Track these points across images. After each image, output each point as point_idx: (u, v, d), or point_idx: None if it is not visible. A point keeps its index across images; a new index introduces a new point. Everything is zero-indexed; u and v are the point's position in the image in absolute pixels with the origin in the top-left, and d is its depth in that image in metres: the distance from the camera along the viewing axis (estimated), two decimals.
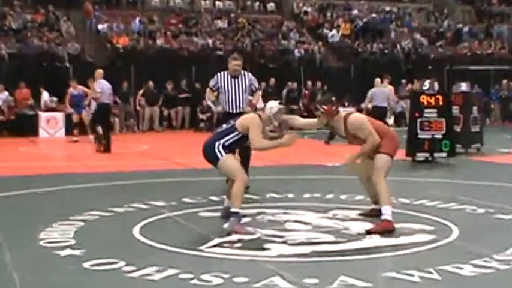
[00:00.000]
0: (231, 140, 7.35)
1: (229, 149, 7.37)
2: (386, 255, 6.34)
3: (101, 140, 17.19)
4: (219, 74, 11.11)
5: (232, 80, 10.88)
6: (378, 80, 20.10)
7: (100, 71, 18.12)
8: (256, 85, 11.19)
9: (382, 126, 7.94)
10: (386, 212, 7.34)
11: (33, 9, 30.34)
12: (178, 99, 26.98)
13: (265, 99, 9.41)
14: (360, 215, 8.18)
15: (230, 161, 7.34)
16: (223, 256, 6.30)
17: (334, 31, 33.83)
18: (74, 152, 18.03)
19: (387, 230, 7.14)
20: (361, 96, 28.92)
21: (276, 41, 31.92)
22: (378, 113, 18.34)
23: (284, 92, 27.72)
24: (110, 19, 30.61)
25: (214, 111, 11.81)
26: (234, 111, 10.69)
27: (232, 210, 7.29)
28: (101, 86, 17.54)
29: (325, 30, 33.97)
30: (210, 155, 7.34)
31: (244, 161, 9.76)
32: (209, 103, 12.14)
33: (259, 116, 7.40)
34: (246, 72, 11.10)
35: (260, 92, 11.38)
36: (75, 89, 21.19)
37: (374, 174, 7.60)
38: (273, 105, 7.49)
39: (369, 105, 19.73)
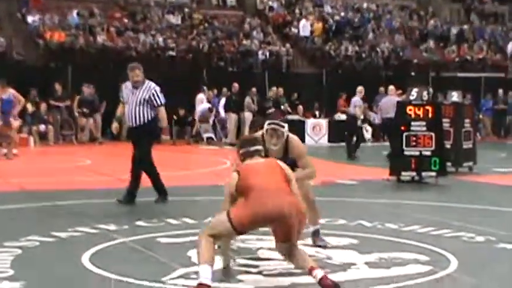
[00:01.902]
0: None
1: None
2: None
3: None
4: (124, 84, 11.62)
5: (133, 91, 11.32)
6: (391, 87, 20.60)
7: None
8: (159, 101, 11.46)
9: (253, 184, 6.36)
10: (202, 273, 6.09)
11: None
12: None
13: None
14: None
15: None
16: None
17: (304, 21, 33.97)
18: (4, 167, 17.83)
19: None
20: (334, 106, 29.25)
21: (237, 41, 31.98)
22: (389, 126, 18.66)
23: (247, 99, 27.74)
24: (43, 11, 30.23)
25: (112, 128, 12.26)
26: (129, 124, 11.39)
27: None
28: None
29: (294, 29, 34.15)
30: None
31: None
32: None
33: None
34: (150, 85, 11.42)
35: (162, 109, 11.57)
36: (4, 93, 20.57)
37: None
38: None
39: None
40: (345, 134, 21.74)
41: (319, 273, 6.03)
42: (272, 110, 27.03)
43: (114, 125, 11.98)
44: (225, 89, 27.08)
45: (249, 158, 6.60)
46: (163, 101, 11.51)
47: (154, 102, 11.33)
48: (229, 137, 26.47)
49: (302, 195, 7.04)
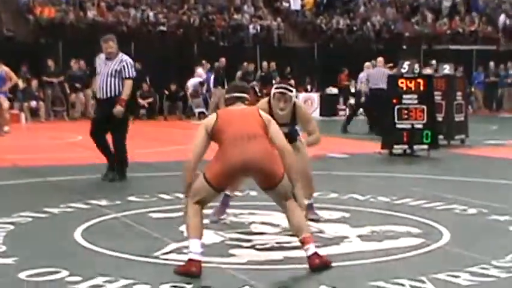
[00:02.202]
0: None
1: None
2: (370, 261, 6.37)
3: None
4: (98, 56, 11.56)
5: (106, 62, 11.20)
6: (380, 59, 20.74)
7: None
8: (128, 73, 11.24)
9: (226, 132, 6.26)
10: (191, 249, 6.02)
11: None
12: None
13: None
14: None
15: None
16: (183, 263, 6.29)
17: None
18: None
19: (187, 273, 5.91)
20: (326, 80, 29.26)
21: (228, 15, 31.90)
22: (379, 96, 18.79)
23: (238, 74, 27.67)
24: None
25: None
26: (99, 96, 11.30)
27: None
28: None
29: (285, 3, 34.06)
30: None
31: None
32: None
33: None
34: (123, 57, 11.28)
35: (129, 82, 11.26)
36: None
37: None
38: None
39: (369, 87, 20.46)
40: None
41: (310, 249, 6.00)
42: (254, 83, 27.11)
43: (92, 102, 11.94)
44: (216, 64, 26.96)
45: (231, 104, 6.47)
46: (132, 74, 11.33)
47: (123, 73, 11.15)
48: (209, 111, 26.26)
49: (301, 169, 7.04)
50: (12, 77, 20.07)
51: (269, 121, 6.34)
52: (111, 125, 11.28)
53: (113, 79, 11.08)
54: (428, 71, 17.49)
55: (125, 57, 11.33)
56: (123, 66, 11.14)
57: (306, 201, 7.67)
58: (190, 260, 5.91)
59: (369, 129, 20.54)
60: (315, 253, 6.00)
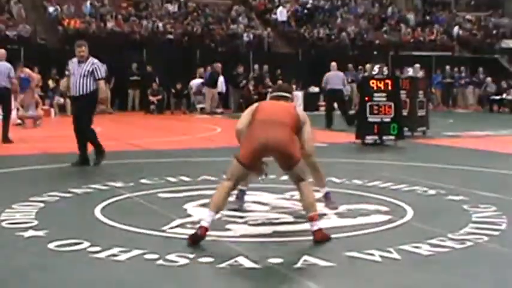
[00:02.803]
0: None
1: None
2: (345, 235, 6.34)
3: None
4: (70, 60, 11.57)
5: (79, 65, 11.16)
6: (334, 63, 20.33)
7: (1, 51, 15.38)
8: (100, 75, 11.24)
9: (256, 118, 6.35)
10: (205, 218, 6.07)
11: None
12: (129, 81, 26.78)
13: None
14: None
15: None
16: (186, 237, 6.24)
17: (281, 8, 33.84)
18: (23, 134, 17.68)
19: (195, 237, 5.95)
20: (309, 81, 29.22)
21: (225, 25, 31.81)
22: (334, 96, 19.41)
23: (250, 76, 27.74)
24: (61, 2, 30.15)
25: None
26: (73, 93, 11.27)
27: None
28: None
29: (274, 16, 33.97)
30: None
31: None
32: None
33: None
34: (93, 60, 11.23)
35: (102, 82, 11.32)
36: (22, 72, 20.47)
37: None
38: None
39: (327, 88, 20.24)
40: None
41: (316, 225, 6.06)
42: (244, 82, 27.02)
43: (56, 100, 12.07)
44: (209, 68, 26.85)
45: (273, 100, 6.72)
46: (103, 75, 11.37)
47: (96, 75, 11.11)
48: (206, 107, 26.19)
49: (311, 162, 7.14)
50: (33, 77, 20.08)
51: (305, 120, 6.55)
52: (79, 120, 11.44)
53: (85, 79, 11.06)
54: (409, 73, 17.41)
55: (95, 60, 11.25)
56: (95, 68, 11.10)
57: (324, 190, 7.60)
58: (200, 226, 6.00)
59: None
60: (320, 229, 6.06)
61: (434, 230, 6.44)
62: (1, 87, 14.72)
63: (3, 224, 6.77)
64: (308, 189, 6.27)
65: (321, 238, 6.01)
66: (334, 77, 19.96)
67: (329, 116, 19.76)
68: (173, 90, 27.11)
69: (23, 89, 19.92)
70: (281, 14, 33.66)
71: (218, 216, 7.02)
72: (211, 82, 26.11)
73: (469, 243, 6.00)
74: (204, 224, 5.99)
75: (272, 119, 6.24)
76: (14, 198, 8.00)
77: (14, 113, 19.19)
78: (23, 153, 13.05)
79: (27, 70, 20.39)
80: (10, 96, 15.15)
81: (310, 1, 35.98)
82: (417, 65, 17.42)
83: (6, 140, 14.64)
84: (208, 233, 6.00)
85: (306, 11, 34.81)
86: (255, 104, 6.62)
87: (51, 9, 29.41)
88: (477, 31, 37.25)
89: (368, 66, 20.18)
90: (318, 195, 7.29)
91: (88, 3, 30.20)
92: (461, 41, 36.30)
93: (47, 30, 28.90)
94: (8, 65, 14.92)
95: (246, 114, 6.51)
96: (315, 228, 6.05)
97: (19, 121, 19.68)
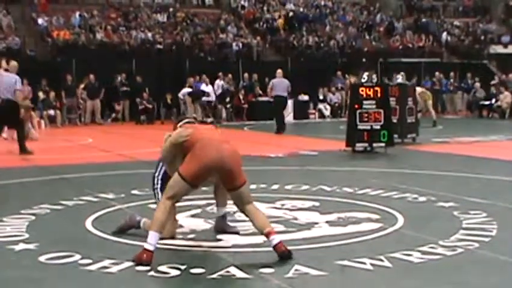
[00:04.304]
0: None
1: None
2: (336, 244, 6.34)
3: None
4: None
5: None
6: (279, 71, 20.76)
7: (13, 63, 15.33)
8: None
9: (200, 137, 6.06)
10: (149, 240, 5.77)
11: None
12: (119, 92, 26.77)
13: None
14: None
15: None
16: (177, 248, 6.24)
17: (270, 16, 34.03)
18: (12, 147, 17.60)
19: (140, 262, 5.66)
20: (299, 89, 29.27)
21: (215, 35, 31.84)
22: (279, 102, 20.47)
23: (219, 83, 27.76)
24: (50, 13, 30.17)
25: None
26: None
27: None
28: (2, 79, 14.88)
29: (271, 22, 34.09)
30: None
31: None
32: None
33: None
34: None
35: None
36: None
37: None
38: None
39: (272, 94, 20.97)
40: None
41: (276, 239, 5.86)
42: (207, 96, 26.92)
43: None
44: (191, 79, 26.90)
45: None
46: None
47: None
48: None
49: None
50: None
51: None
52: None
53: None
54: (398, 80, 17.47)
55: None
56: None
57: (223, 210, 6.95)
58: (144, 249, 5.69)
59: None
60: (280, 242, 5.86)
61: (425, 237, 6.45)
62: (8, 100, 14.65)
63: None
64: (256, 210, 6.09)
65: (284, 251, 5.78)
66: (279, 84, 20.47)
67: (279, 121, 20.44)
68: (163, 101, 27.09)
69: None
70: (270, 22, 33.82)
71: (209, 226, 7.04)
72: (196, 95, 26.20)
73: (459, 250, 6.01)
74: (150, 247, 5.69)
75: (216, 138, 6.08)
76: (5, 211, 7.98)
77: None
78: (13, 166, 13.01)
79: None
80: (18, 108, 14.93)
81: (301, 9, 36.08)
82: (399, 76, 17.46)
83: (24, 151, 14.63)
84: (199, 243, 5.99)
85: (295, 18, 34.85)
86: (186, 130, 6.16)
87: (40, 21, 29.42)
88: (465, 37, 37.39)
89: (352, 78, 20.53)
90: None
91: (77, 14, 30.21)
92: (449, 47, 36.44)
93: (36, 42, 28.88)
94: (16, 77, 14.81)
95: (172, 142, 6.16)
96: (275, 242, 5.83)
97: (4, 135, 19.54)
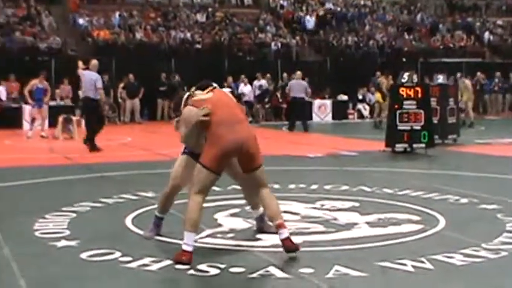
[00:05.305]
0: None
1: None
2: (377, 244, 6.31)
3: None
4: None
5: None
6: (298, 72, 21.57)
7: (94, 61, 15.76)
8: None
9: (216, 120, 5.94)
10: (186, 240, 5.77)
11: (15, 3, 30.02)
12: (158, 91, 26.92)
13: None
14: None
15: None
16: (217, 247, 6.26)
17: (308, 17, 33.88)
18: (59, 146, 17.82)
19: (179, 262, 5.65)
20: (337, 89, 29.19)
21: (253, 34, 31.85)
22: (294, 104, 21.04)
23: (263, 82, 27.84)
24: (90, 14, 30.45)
25: None
26: None
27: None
28: (84, 78, 15.44)
29: (305, 22, 33.96)
30: None
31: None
32: None
33: None
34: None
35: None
36: (41, 83, 20.41)
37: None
38: None
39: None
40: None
41: (284, 233, 5.85)
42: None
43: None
44: (242, 76, 27.00)
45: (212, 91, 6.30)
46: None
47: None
48: None
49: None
50: (49, 91, 20.65)
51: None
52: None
53: None
54: (439, 81, 17.34)
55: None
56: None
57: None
58: (183, 251, 5.70)
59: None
60: (288, 237, 5.86)
61: (468, 240, 6.38)
62: (88, 98, 14.76)
63: (37, 233, 6.84)
64: (270, 197, 6.10)
65: (291, 247, 5.81)
66: (297, 86, 20.89)
67: (292, 121, 21.28)
68: None
69: (38, 100, 19.92)
70: (309, 22, 33.69)
71: (249, 225, 7.04)
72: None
73: (503, 253, 5.93)
74: (188, 248, 5.70)
75: (233, 117, 5.96)
76: (47, 208, 8.08)
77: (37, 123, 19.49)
78: (54, 164, 13.15)
79: (45, 83, 20.55)
80: (98, 107, 15.05)
81: (338, 8, 35.97)
82: (440, 76, 17.36)
83: (94, 148, 14.90)
84: (238, 242, 5.99)
85: (335, 18, 34.74)
86: (201, 99, 6.10)
87: (80, 21, 29.74)
88: (508, 36, 36.92)
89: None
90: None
91: (117, 14, 30.44)
92: (492, 47, 36.01)
93: (76, 42, 29.16)
94: (97, 75, 14.97)
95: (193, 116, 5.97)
96: (284, 236, 5.83)
97: (43, 133, 19.79)
